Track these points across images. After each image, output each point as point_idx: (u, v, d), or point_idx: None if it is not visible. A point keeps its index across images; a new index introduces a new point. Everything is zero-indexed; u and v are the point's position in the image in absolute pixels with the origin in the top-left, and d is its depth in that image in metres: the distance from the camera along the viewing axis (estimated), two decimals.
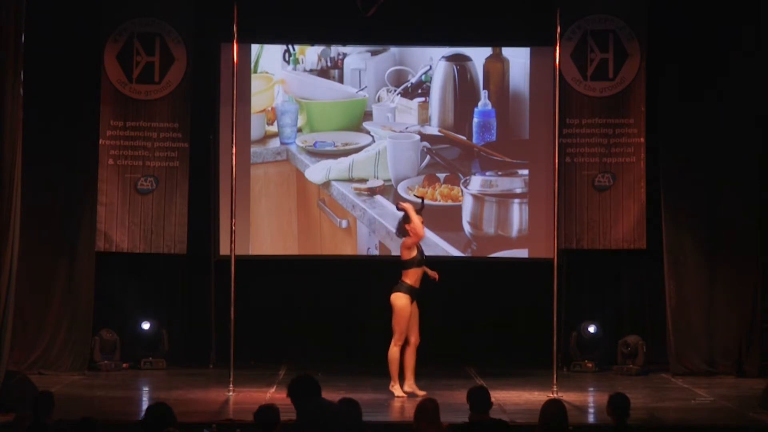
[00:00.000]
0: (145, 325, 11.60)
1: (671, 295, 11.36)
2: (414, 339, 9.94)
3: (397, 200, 11.08)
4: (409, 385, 9.91)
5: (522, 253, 11.91)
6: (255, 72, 11.95)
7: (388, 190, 11.90)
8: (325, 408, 6.16)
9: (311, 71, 11.99)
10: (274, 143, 11.97)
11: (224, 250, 11.39)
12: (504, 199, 11.93)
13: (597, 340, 11.59)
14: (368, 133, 11.95)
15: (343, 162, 11.93)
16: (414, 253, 9.88)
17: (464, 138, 11.94)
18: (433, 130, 11.96)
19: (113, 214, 11.35)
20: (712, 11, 11.27)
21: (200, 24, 11.56)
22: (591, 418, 9.14)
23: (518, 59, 11.98)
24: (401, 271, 9.91)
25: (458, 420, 6.70)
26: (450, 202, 11.89)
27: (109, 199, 11.35)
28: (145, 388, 10.77)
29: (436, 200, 11.89)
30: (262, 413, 6.13)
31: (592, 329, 11.54)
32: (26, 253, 10.41)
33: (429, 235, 11.81)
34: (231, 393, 9.75)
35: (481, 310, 12.19)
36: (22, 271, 10.04)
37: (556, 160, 10.30)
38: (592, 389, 10.64)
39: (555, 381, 9.80)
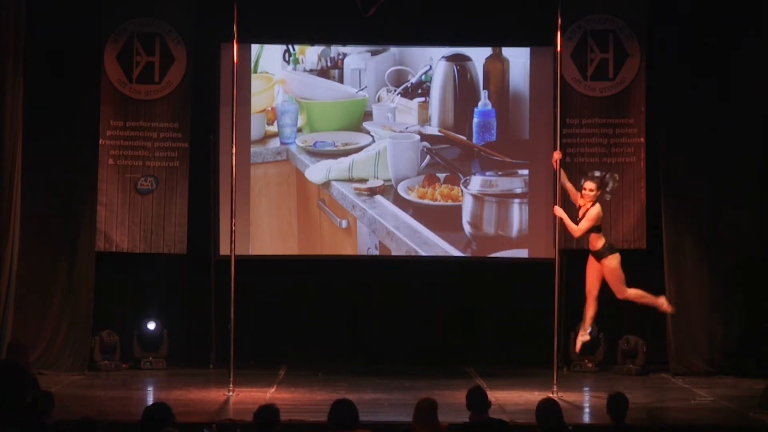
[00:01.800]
0: (151, 325, 11.59)
1: (671, 295, 11.33)
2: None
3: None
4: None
5: (522, 253, 11.91)
6: (255, 72, 11.95)
7: (388, 190, 11.90)
8: None
9: (311, 71, 11.99)
10: (274, 143, 11.97)
11: (224, 250, 11.39)
12: (504, 199, 11.93)
13: (595, 340, 11.54)
14: (368, 133, 11.96)
15: (343, 162, 11.93)
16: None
17: (464, 138, 11.94)
18: (433, 130, 11.96)
19: (113, 214, 11.36)
20: (712, 11, 11.27)
21: (200, 24, 11.56)
22: (591, 418, 9.13)
23: (518, 59, 11.98)
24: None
25: (458, 420, 6.70)
26: (450, 202, 11.89)
27: (109, 199, 11.35)
28: (146, 388, 10.77)
29: (436, 200, 11.90)
30: (262, 413, 6.13)
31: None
32: (26, 253, 10.42)
33: (429, 235, 11.84)
34: (231, 393, 9.75)
35: (481, 310, 12.19)
36: (22, 271, 10.05)
37: None
38: (586, 389, 10.61)
39: (555, 381, 9.80)
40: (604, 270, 10.05)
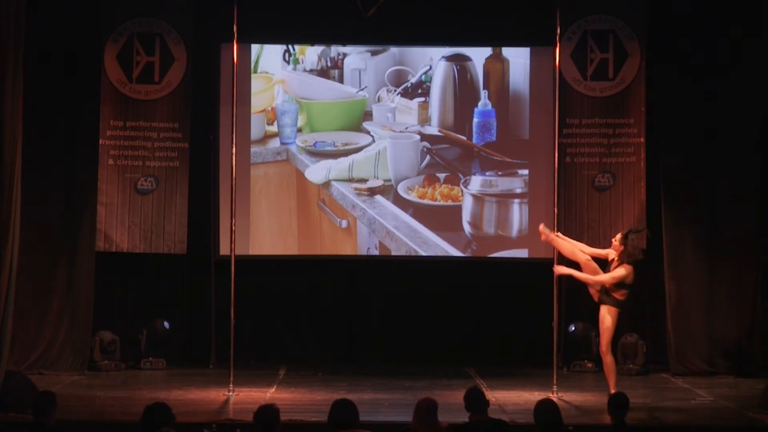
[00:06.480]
0: (167, 324, 11.60)
1: (671, 295, 11.37)
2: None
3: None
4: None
5: (522, 253, 11.91)
6: (255, 72, 11.95)
7: (388, 190, 11.90)
8: None
9: (311, 71, 11.99)
10: (274, 143, 11.97)
11: (224, 250, 11.39)
12: (504, 199, 11.93)
13: (587, 339, 11.52)
14: (368, 133, 11.96)
15: (343, 162, 11.93)
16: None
17: (464, 138, 11.94)
18: (433, 130, 11.96)
19: (113, 214, 11.36)
20: (712, 11, 11.28)
21: (200, 24, 11.57)
22: (590, 418, 9.13)
23: (518, 59, 11.98)
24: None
25: (458, 420, 6.71)
26: (450, 202, 11.89)
27: (109, 199, 11.36)
28: (148, 389, 10.76)
29: (436, 200, 11.90)
30: (262, 413, 6.13)
31: (572, 328, 11.50)
32: (26, 253, 10.41)
33: (429, 235, 11.85)
34: (231, 393, 9.75)
35: (481, 310, 12.19)
36: (22, 271, 10.04)
37: (556, 160, 10.29)
38: (570, 388, 10.56)
39: (555, 381, 9.81)
40: (599, 315, 9.51)
